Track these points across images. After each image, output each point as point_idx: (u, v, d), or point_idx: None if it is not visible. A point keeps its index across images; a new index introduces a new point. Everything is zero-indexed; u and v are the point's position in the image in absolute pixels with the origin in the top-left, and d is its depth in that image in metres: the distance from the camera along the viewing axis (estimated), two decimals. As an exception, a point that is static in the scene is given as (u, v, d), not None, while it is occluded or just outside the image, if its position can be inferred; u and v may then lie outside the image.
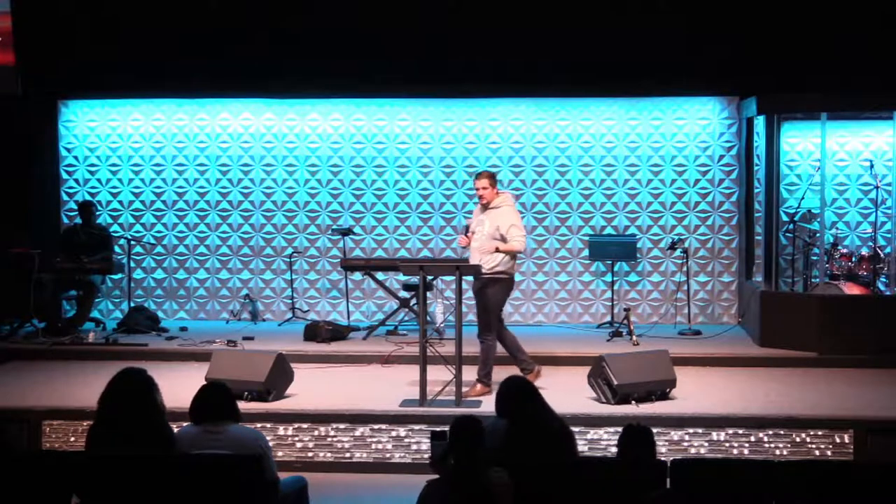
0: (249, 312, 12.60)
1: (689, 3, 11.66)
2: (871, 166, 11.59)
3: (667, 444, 8.32)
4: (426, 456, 8.15)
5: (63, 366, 10.50)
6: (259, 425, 8.05)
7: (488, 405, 8.33)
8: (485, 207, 9.21)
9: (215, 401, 6.21)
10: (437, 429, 6.20)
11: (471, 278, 9.23)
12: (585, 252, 12.32)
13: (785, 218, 11.75)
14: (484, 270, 9.06)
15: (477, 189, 9.25)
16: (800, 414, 8.52)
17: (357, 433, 8.61)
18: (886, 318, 10.46)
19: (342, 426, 8.64)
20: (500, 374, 9.66)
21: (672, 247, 11.92)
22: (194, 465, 5.87)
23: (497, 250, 9.04)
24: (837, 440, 8.35)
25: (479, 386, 9.20)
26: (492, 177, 9.27)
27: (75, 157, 12.78)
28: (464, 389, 9.03)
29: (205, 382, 6.69)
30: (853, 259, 11.18)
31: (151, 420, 6.06)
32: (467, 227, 9.29)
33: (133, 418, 5.99)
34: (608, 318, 12.13)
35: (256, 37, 11.90)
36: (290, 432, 8.65)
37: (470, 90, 12.13)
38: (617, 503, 5.64)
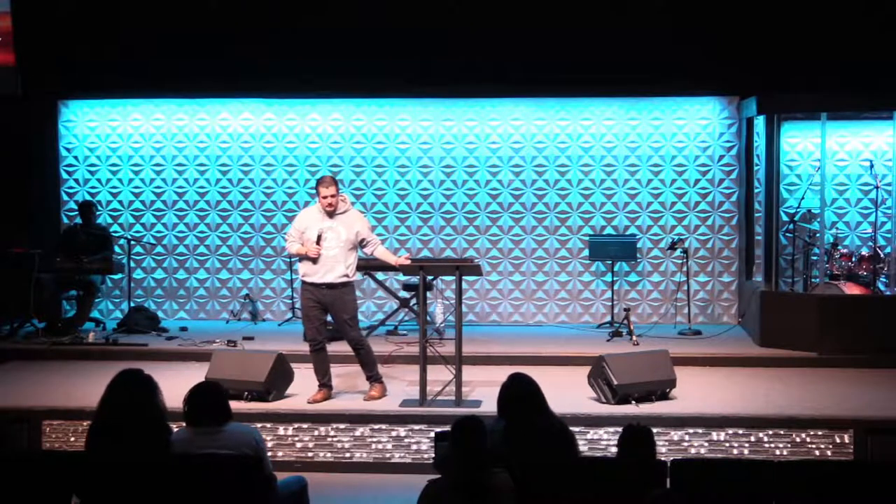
0: (249, 312, 12.61)
1: (689, 2, 11.66)
2: (871, 166, 11.59)
3: (667, 444, 8.33)
4: (426, 456, 8.19)
5: (63, 366, 10.50)
6: (259, 425, 8.05)
7: (488, 405, 8.33)
8: (330, 214, 8.88)
9: (208, 401, 6.17)
10: (441, 430, 6.20)
11: (472, 278, 9.18)
12: (585, 252, 12.32)
13: (785, 218, 11.74)
14: (348, 278, 8.91)
15: (326, 196, 8.79)
16: (800, 414, 8.53)
17: (357, 433, 8.62)
18: (886, 318, 10.46)
19: (342, 426, 8.64)
20: (499, 374, 9.68)
21: (672, 247, 11.92)
22: (193, 464, 5.87)
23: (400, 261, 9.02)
24: (837, 440, 8.35)
25: (378, 386, 9.15)
26: (337, 181, 9.06)
27: (75, 157, 12.78)
28: (367, 393, 9.08)
29: (194, 386, 6.60)
30: (853, 259, 11.18)
31: (152, 421, 6.05)
32: (319, 236, 8.82)
33: (133, 419, 5.98)
34: (608, 318, 12.13)
35: (256, 37, 11.91)
36: (290, 432, 8.66)
37: (470, 90, 12.12)
38: (617, 503, 5.64)
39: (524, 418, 6.27)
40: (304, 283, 9.02)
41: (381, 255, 9.05)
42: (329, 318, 9.16)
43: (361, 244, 9.00)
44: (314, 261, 8.85)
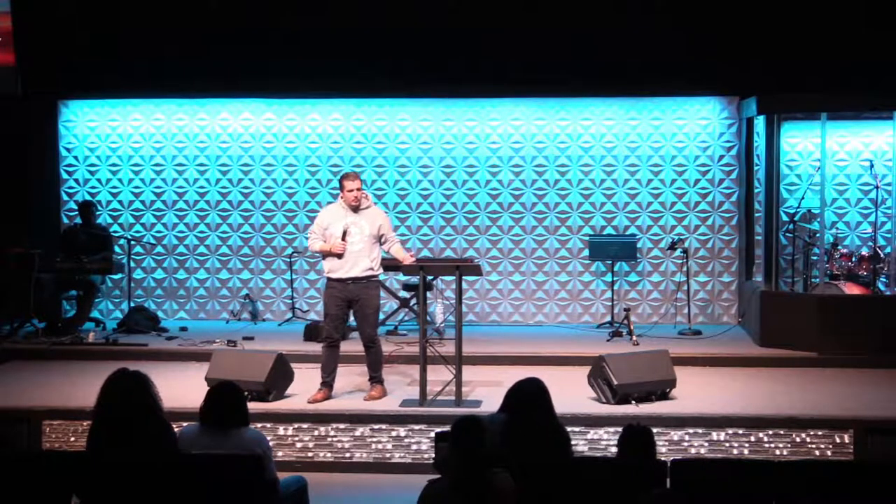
0: (249, 312, 12.61)
1: (690, 2, 11.66)
2: (871, 166, 11.60)
3: (667, 444, 8.32)
4: (426, 456, 8.19)
5: (63, 366, 10.50)
6: (259, 425, 8.06)
7: (488, 405, 8.34)
8: (355, 209, 8.97)
9: (227, 402, 6.18)
10: (441, 430, 6.19)
11: (472, 278, 9.18)
12: (585, 252, 12.32)
13: (785, 218, 11.74)
14: (373, 272, 9.01)
15: (352, 191, 8.90)
16: (800, 414, 8.53)
17: (357, 433, 8.62)
18: (886, 318, 10.46)
19: (342, 426, 8.65)
20: (499, 374, 9.67)
21: (672, 247, 11.92)
22: (194, 465, 5.87)
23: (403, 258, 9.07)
24: (837, 440, 8.35)
25: (379, 387, 9.18)
26: (360, 177, 9.17)
27: (75, 157, 12.78)
28: (367, 393, 9.12)
29: (217, 382, 6.61)
30: (853, 259, 11.18)
31: (148, 419, 6.04)
32: (345, 231, 8.90)
33: (129, 419, 5.97)
34: (608, 318, 12.13)
35: (256, 37, 11.90)
36: (290, 432, 8.66)
37: (470, 90, 12.13)
38: (617, 503, 5.64)
39: (530, 418, 6.26)
40: (329, 279, 9.09)
41: (396, 252, 9.13)
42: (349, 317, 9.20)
43: (381, 240, 9.05)
44: (339, 256, 8.93)
